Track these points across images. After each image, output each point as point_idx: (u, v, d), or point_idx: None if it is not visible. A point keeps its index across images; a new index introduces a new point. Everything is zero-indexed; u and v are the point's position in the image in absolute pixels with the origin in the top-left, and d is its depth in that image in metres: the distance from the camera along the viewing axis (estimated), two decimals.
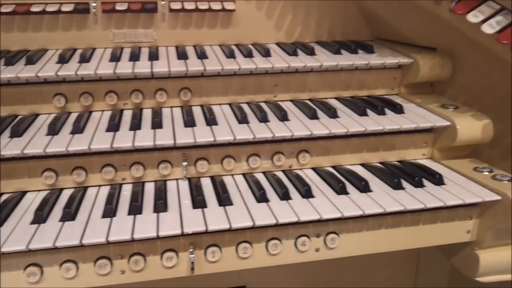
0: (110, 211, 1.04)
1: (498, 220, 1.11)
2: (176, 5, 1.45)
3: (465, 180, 1.18)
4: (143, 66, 1.29)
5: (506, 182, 1.15)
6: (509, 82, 1.28)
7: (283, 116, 1.27)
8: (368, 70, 1.43)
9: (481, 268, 1.17)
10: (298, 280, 1.57)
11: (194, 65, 1.31)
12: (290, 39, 1.57)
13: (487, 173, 1.20)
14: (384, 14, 1.49)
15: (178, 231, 0.98)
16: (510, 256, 1.19)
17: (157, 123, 1.21)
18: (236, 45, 1.51)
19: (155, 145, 1.13)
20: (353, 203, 1.08)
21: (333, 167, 1.28)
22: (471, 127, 1.24)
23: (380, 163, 1.30)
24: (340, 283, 1.62)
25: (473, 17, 1.17)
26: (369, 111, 1.32)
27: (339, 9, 1.57)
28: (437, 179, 1.17)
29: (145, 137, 1.15)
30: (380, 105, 1.32)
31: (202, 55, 1.38)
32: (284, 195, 1.10)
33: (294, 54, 1.41)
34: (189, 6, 1.45)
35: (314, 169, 1.27)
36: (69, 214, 1.03)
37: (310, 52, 1.43)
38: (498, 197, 1.09)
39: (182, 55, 1.37)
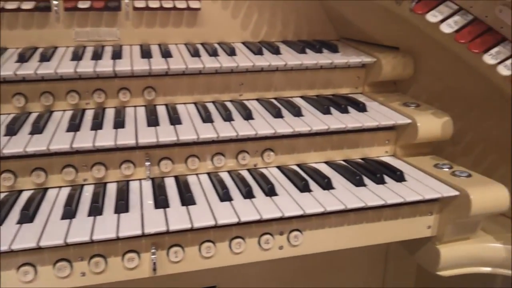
0: (69, 213, 1.02)
1: (457, 215, 1.14)
2: (140, 4, 1.43)
3: (425, 177, 1.21)
4: (105, 65, 1.27)
5: (465, 178, 1.18)
6: (468, 79, 1.31)
7: (247, 115, 1.27)
8: (332, 69, 1.45)
9: (442, 262, 1.20)
10: (269, 279, 1.57)
11: (158, 64, 1.30)
12: (256, 39, 1.57)
13: (447, 169, 1.23)
14: (348, 14, 1.50)
15: (138, 232, 0.97)
16: (470, 250, 1.22)
17: (119, 123, 1.19)
18: (202, 44, 1.50)
19: (116, 145, 1.12)
20: (315, 201, 1.08)
21: (298, 165, 1.29)
22: (431, 124, 1.26)
23: (344, 160, 1.32)
24: (310, 282, 1.63)
25: (432, 16, 1.19)
26: (333, 110, 1.33)
27: (304, 9, 1.58)
28: (398, 176, 1.19)
29: (106, 137, 1.13)
30: (343, 103, 1.34)
31: (166, 54, 1.37)
32: (248, 194, 1.10)
33: (260, 53, 1.41)
34: (154, 4, 1.44)
35: (279, 167, 1.27)
36: (27, 216, 1.00)
37: (276, 51, 1.43)
38: (456, 193, 1.12)
39: (146, 53, 1.36)
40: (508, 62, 1.11)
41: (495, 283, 1.60)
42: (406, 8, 1.26)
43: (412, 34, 1.35)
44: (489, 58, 1.12)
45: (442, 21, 1.18)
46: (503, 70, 1.10)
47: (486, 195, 1.12)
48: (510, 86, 1.10)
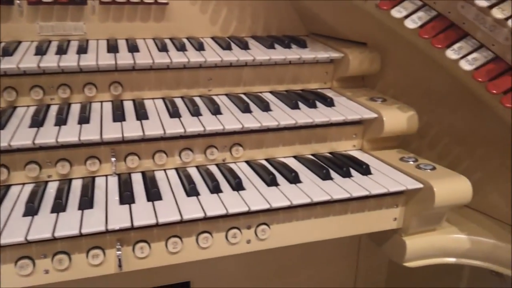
0: (31, 210, 1.00)
1: (422, 207, 1.16)
2: None
3: (391, 170, 1.22)
4: (69, 60, 1.25)
5: (429, 170, 1.20)
6: (433, 74, 1.33)
7: (215, 110, 1.26)
8: (301, 65, 1.45)
9: (408, 253, 1.22)
10: (243, 274, 1.57)
11: (124, 58, 1.28)
12: (226, 34, 1.57)
13: (412, 162, 1.25)
14: (317, 9, 1.51)
15: (102, 228, 0.95)
16: (435, 241, 1.25)
17: (83, 118, 1.17)
18: (171, 39, 1.49)
19: (80, 141, 1.10)
20: (282, 194, 1.09)
21: (267, 159, 1.29)
22: (397, 118, 1.28)
23: (312, 155, 1.33)
24: (284, 277, 1.64)
25: (397, 12, 1.21)
26: (301, 104, 1.34)
27: (274, 5, 1.58)
28: (364, 169, 1.20)
29: (70, 133, 1.11)
30: (311, 98, 1.34)
31: (133, 49, 1.35)
32: (215, 188, 1.10)
33: (228, 48, 1.41)
34: None
35: (247, 162, 1.27)
36: None
37: (244, 46, 1.43)
38: (420, 185, 1.14)
39: (112, 48, 1.34)
40: (470, 57, 1.13)
41: (463, 274, 1.64)
42: (373, 4, 1.28)
43: (379, 30, 1.37)
44: (451, 53, 1.14)
45: (407, 16, 1.20)
46: (465, 65, 1.12)
47: (450, 187, 1.14)
48: (472, 80, 1.12)
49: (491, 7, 1.06)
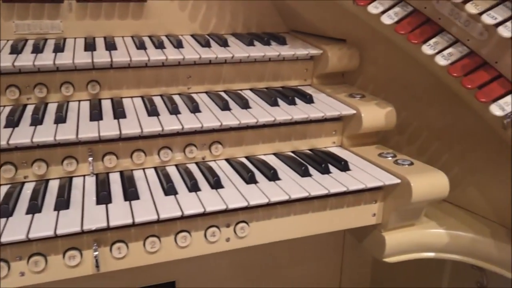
0: (5, 211, 0.98)
1: (399, 202, 1.17)
2: None
3: (369, 166, 1.23)
4: (46, 58, 1.23)
5: (407, 166, 1.21)
6: (411, 70, 1.34)
7: (194, 108, 1.26)
8: (281, 62, 1.45)
9: (387, 249, 1.23)
10: (228, 273, 1.57)
11: (101, 56, 1.27)
12: (206, 31, 1.56)
13: (390, 158, 1.26)
14: (296, 6, 1.51)
15: (77, 229, 0.94)
16: (414, 236, 1.26)
17: (60, 118, 1.16)
18: (149, 37, 1.48)
19: (56, 140, 1.08)
20: (260, 192, 1.09)
21: (247, 157, 1.29)
22: (375, 114, 1.29)
23: (292, 151, 1.33)
24: (269, 275, 1.64)
25: (373, 8, 1.21)
26: (280, 102, 1.34)
27: (253, 2, 1.57)
28: (343, 166, 1.21)
29: (45, 133, 1.10)
30: (291, 95, 1.34)
31: (110, 47, 1.34)
32: (193, 187, 1.09)
33: (207, 45, 1.40)
34: None
35: (227, 160, 1.27)
36: None
37: (224, 43, 1.42)
38: (398, 181, 1.15)
39: (89, 46, 1.33)
40: (445, 52, 1.14)
41: (445, 269, 1.65)
42: (350, 0, 1.28)
43: (357, 26, 1.37)
44: (427, 49, 1.15)
45: (383, 12, 1.21)
46: (440, 60, 1.13)
47: (427, 182, 1.15)
48: (448, 75, 1.13)
49: (465, 2, 1.07)
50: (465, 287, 1.50)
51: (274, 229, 1.13)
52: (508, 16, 1.04)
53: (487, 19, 1.04)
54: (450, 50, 1.14)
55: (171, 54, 1.31)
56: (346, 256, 1.75)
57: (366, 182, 1.14)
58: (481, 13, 1.05)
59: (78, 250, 0.98)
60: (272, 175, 1.15)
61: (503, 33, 1.03)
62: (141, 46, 1.35)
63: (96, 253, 0.99)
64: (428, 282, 1.70)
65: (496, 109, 1.06)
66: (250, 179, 1.14)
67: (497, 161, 1.26)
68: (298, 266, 1.67)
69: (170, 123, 1.17)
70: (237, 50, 1.39)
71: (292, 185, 1.12)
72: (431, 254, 1.29)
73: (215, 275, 1.55)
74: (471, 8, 1.06)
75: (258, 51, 1.39)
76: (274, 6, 1.59)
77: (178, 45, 1.38)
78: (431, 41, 1.15)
